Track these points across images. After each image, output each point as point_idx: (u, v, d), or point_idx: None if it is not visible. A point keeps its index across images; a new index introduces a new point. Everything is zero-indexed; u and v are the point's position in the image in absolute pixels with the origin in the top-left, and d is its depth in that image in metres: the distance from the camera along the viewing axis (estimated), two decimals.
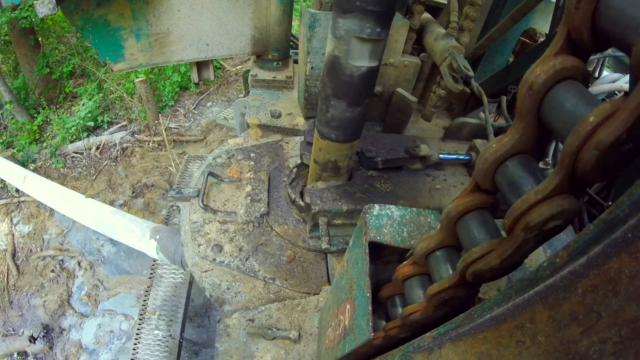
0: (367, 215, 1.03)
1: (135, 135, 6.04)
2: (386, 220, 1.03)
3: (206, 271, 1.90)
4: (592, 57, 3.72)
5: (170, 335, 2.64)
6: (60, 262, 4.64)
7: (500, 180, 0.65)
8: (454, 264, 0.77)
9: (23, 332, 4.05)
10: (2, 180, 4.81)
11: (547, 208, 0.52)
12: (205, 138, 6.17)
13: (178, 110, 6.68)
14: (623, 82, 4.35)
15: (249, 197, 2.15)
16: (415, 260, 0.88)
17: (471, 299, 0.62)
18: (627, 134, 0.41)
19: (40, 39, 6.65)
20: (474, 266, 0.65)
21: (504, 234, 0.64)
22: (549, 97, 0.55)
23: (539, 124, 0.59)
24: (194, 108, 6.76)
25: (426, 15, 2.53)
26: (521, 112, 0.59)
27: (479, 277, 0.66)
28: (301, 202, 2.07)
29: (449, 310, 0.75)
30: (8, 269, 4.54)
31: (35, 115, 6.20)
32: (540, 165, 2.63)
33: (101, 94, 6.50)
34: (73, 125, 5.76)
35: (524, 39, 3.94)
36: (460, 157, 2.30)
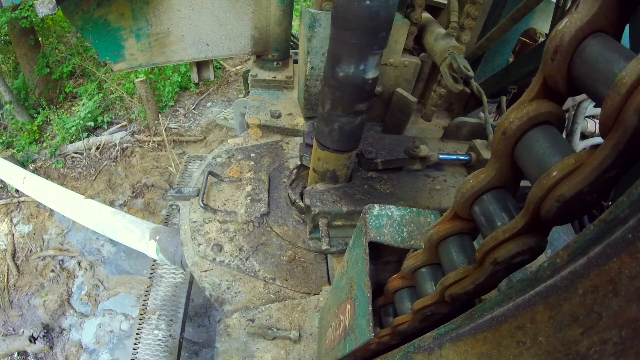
0: (367, 216, 1.03)
1: (135, 136, 6.04)
2: (386, 221, 1.03)
3: (206, 271, 1.90)
4: None
5: (170, 335, 2.63)
6: (60, 262, 4.64)
7: (476, 212, 0.70)
8: (438, 280, 0.83)
9: (23, 332, 4.05)
10: (1, 180, 4.81)
11: (514, 246, 0.57)
12: (205, 138, 6.17)
13: (178, 110, 6.68)
14: None
15: (249, 197, 2.15)
16: (403, 275, 0.94)
17: (454, 314, 0.65)
18: (589, 188, 0.44)
19: (40, 38, 6.65)
20: (451, 289, 0.70)
21: None
22: (522, 142, 0.59)
23: (513, 164, 0.63)
24: (194, 108, 6.76)
25: (426, 15, 2.53)
26: (496, 154, 0.63)
27: (456, 299, 0.71)
28: (301, 204, 2.07)
29: (434, 322, 0.79)
30: (8, 269, 4.54)
31: (35, 115, 6.20)
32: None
33: (101, 94, 6.50)
34: (73, 126, 5.76)
35: (524, 39, 3.94)
36: (460, 157, 2.30)
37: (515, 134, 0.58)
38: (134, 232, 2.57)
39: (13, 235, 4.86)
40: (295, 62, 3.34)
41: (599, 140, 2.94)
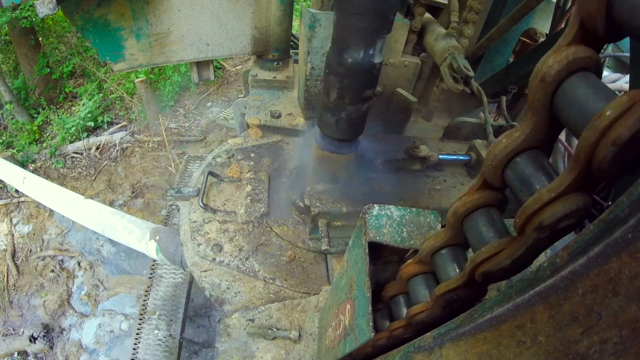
0: (367, 216, 1.03)
1: (135, 135, 6.03)
2: (386, 221, 1.03)
3: (206, 271, 1.90)
4: None
5: (170, 335, 2.63)
6: (60, 262, 4.64)
7: (510, 177, 0.63)
8: (461, 262, 0.76)
9: (23, 331, 4.04)
10: (1, 180, 4.80)
11: (561, 207, 0.50)
12: (205, 138, 6.17)
13: (178, 110, 6.68)
14: (623, 82, 4.35)
15: (249, 197, 2.15)
16: (421, 259, 0.88)
17: (479, 299, 0.61)
18: None
19: (40, 38, 6.64)
20: (484, 266, 0.64)
21: (512, 231, 0.62)
22: (562, 90, 0.53)
23: (551, 118, 0.57)
24: (194, 108, 6.76)
25: (427, 15, 2.53)
26: (533, 105, 0.57)
27: (489, 277, 0.64)
28: (301, 204, 2.07)
29: (454, 310, 0.74)
30: (8, 269, 4.54)
31: (35, 115, 6.19)
32: None
33: (101, 94, 6.50)
34: (73, 126, 5.76)
35: (524, 39, 3.94)
36: (460, 157, 2.30)
37: (555, 80, 0.52)
38: (134, 232, 2.57)
39: (13, 235, 4.86)
40: (296, 62, 3.34)
41: None
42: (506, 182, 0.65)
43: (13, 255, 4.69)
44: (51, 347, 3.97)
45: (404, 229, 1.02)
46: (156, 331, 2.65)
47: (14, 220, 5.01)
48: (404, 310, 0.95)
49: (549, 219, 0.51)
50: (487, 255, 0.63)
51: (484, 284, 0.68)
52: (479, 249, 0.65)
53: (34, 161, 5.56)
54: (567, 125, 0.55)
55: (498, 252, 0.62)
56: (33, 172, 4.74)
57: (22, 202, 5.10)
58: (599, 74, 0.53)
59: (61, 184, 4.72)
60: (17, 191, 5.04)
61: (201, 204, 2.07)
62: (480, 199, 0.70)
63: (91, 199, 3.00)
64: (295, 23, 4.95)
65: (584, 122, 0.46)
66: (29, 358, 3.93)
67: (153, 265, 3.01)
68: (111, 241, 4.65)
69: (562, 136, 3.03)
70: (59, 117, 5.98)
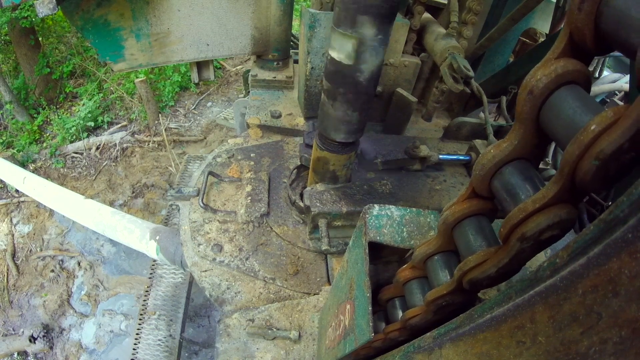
0: (367, 216, 1.03)
1: (135, 136, 6.03)
2: (386, 221, 1.03)
3: (206, 271, 1.90)
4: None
5: (170, 335, 2.64)
6: (60, 262, 4.64)
7: (497, 187, 0.64)
8: (452, 269, 0.77)
9: (23, 332, 4.04)
10: (1, 180, 4.80)
11: (545, 218, 0.51)
12: (205, 138, 6.17)
13: (178, 110, 6.68)
14: (623, 82, 4.35)
15: (249, 197, 2.15)
16: (414, 265, 0.89)
17: (470, 305, 0.62)
18: (629, 144, 0.40)
19: (40, 38, 6.65)
20: (470, 274, 0.65)
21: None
22: (549, 103, 0.54)
23: (539, 130, 0.58)
24: (194, 108, 6.76)
25: (426, 15, 2.53)
26: (521, 117, 0.58)
27: (476, 285, 0.66)
28: (301, 204, 2.07)
29: (448, 315, 0.75)
30: (8, 269, 4.54)
31: (35, 115, 6.20)
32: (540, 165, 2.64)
33: (101, 94, 6.50)
34: (73, 126, 5.76)
35: (524, 39, 3.94)
36: (460, 157, 2.30)
37: (543, 93, 0.53)
38: (134, 232, 2.57)
39: (13, 235, 4.86)
40: (296, 62, 3.34)
41: None
42: (493, 192, 0.66)
43: (13, 255, 4.69)
44: (51, 347, 3.97)
45: (404, 229, 1.02)
46: (156, 331, 2.65)
47: (14, 220, 5.01)
48: (400, 313, 0.96)
49: (532, 230, 0.52)
50: (473, 263, 0.64)
51: (473, 291, 0.69)
52: (467, 256, 0.67)
53: (34, 161, 5.56)
54: (554, 138, 0.55)
55: (484, 261, 0.63)
56: (33, 172, 4.74)
57: (22, 202, 5.10)
58: (587, 88, 0.54)
59: (61, 184, 4.72)
60: (17, 191, 5.04)
61: (201, 204, 2.07)
62: (469, 208, 0.71)
63: (91, 199, 3.00)
64: (295, 23, 4.96)
65: (570, 136, 0.47)
66: (29, 358, 3.93)
67: (153, 265, 3.02)
68: (111, 241, 4.66)
69: None
70: (59, 117, 5.98)
